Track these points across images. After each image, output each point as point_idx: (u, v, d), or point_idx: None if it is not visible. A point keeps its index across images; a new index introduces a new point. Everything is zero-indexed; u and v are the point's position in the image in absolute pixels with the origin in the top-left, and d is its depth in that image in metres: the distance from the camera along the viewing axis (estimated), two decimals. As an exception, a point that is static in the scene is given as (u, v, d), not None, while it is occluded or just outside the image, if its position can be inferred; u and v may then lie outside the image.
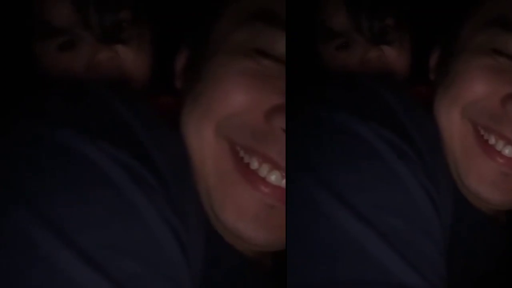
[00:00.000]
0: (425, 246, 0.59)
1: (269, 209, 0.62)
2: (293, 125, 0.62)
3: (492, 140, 0.70)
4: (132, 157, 0.54)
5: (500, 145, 0.70)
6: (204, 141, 0.64)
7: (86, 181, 0.52)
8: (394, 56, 0.85)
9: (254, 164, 0.63)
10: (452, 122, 0.71)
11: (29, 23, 0.76)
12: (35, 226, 0.49)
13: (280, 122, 0.61)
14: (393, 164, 0.59)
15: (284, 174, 0.62)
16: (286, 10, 0.66)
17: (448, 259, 0.63)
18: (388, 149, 0.60)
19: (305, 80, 0.74)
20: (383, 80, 0.73)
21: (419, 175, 0.60)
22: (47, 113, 0.56)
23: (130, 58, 0.77)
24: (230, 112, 0.63)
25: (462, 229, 0.69)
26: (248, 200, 0.63)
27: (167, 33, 0.77)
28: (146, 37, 0.78)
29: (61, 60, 0.76)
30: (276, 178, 0.62)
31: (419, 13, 0.83)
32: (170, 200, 0.56)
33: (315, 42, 0.91)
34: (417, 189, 0.60)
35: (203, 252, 0.61)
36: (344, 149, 0.60)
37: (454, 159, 0.71)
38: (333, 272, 0.55)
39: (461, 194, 0.72)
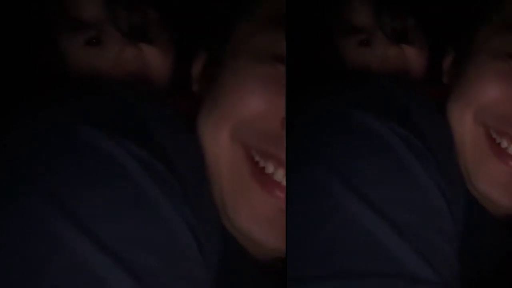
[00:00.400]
0: (439, 243, 0.60)
1: (283, 213, 0.63)
2: (308, 120, 0.64)
3: (504, 144, 0.71)
4: (150, 155, 0.55)
5: (512, 149, 0.70)
6: (219, 145, 0.65)
7: (105, 175, 0.53)
8: (413, 55, 0.86)
9: (270, 168, 0.64)
10: (464, 125, 0.72)
11: (57, 18, 0.77)
12: (56, 215, 0.50)
13: None
14: (408, 160, 0.60)
15: None
16: (286, 9, 0.67)
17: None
18: (402, 146, 0.61)
19: (320, 76, 0.74)
20: (399, 79, 0.73)
21: (433, 173, 0.61)
22: (68, 108, 0.57)
23: (155, 57, 0.78)
24: (246, 117, 0.64)
25: (471, 230, 0.70)
26: (262, 203, 0.63)
27: (186, 36, 0.78)
28: (171, 37, 0.79)
29: (87, 56, 0.77)
30: None
31: (434, 15, 0.84)
32: (187, 198, 0.57)
33: (333, 37, 0.91)
34: (431, 186, 0.61)
35: (217, 252, 0.62)
36: (359, 145, 0.61)
37: (465, 161, 0.72)
38: (347, 263, 0.56)
39: (472, 196, 0.72)
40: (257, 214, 0.63)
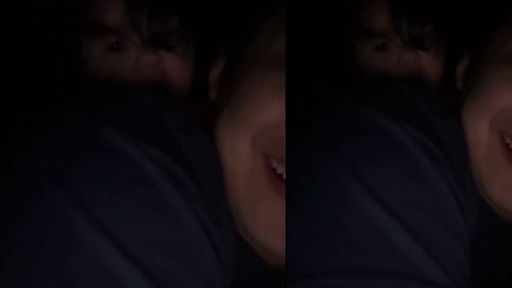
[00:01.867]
0: (451, 245, 0.60)
1: None
2: (325, 121, 0.64)
3: (519, 151, 0.71)
4: (170, 159, 0.56)
5: (527, 156, 0.70)
6: (238, 153, 0.65)
7: (125, 177, 0.54)
8: (429, 61, 0.86)
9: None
10: (478, 131, 0.72)
11: (81, 22, 0.78)
12: (76, 215, 0.51)
13: None
14: (422, 163, 0.61)
15: None
16: (286, 10, 0.67)
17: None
18: (417, 148, 0.61)
19: (338, 77, 0.75)
20: (415, 82, 0.73)
21: (447, 176, 0.62)
22: (90, 110, 0.58)
23: (175, 65, 0.78)
24: (265, 125, 0.64)
25: (483, 236, 0.70)
26: (279, 212, 0.63)
27: (204, 42, 0.78)
28: (191, 45, 0.79)
29: (107, 61, 0.77)
30: None
31: (450, 21, 0.84)
32: (205, 205, 0.57)
33: (346, 39, 0.92)
34: (445, 190, 0.61)
35: (233, 259, 0.63)
36: (375, 146, 0.61)
37: (479, 168, 0.72)
38: (358, 261, 0.56)
39: (484, 203, 0.73)
40: (274, 223, 0.64)
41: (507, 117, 0.71)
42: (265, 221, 0.64)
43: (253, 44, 0.69)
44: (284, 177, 0.65)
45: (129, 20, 0.76)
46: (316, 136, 0.64)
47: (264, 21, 0.70)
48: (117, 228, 0.51)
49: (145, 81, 0.76)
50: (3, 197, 0.54)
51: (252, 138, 0.65)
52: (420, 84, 0.81)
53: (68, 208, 0.51)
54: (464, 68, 0.80)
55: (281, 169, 0.65)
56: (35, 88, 0.76)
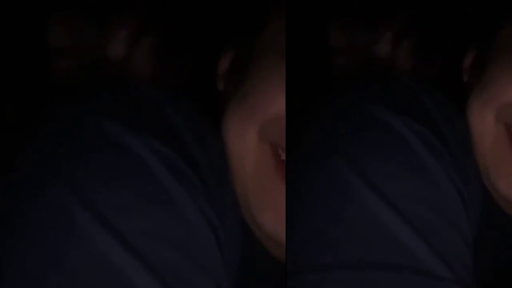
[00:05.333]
0: (453, 239, 0.60)
1: None
2: (327, 114, 0.65)
3: (525, 143, 0.71)
4: (174, 153, 0.56)
5: (533, 148, 0.70)
6: (246, 143, 0.65)
7: (127, 170, 0.54)
8: None
9: None
10: (484, 124, 0.72)
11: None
12: (78, 208, 0.51)
13: None
14: (424, 157, 0.61)
15: None
16: (287, 6, 0.68)
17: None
18: (419, 142, 0.61)
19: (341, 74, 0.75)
20: (419, 78, 0.74)
21: (449, 170, 0.62)
22: (94, 103, 0.59)
23: None
24: (274, 115, 0.64)
25: (487, 230, 0.70)
26: None
27: (212, 34, 0.77)
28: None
29: None
30: None
31: (455, 16, 0.83)
32: (209, 197, 0.58)
33: None
34: (447, 183, 0.61)
35: (239, 253, 0.63)
36: (376, 140, 0.61)
37: (484, 161, 0.72)
38: (359, 254, 0.57)
39: (490, 196, 0.73)
40: (282, 214, 0.63)
41: None
42: (273, 211, 0.64)
43: (263, 35, 0.69)
44: None
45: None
46: (317, 130, 0.64)
47: (273, 12, 0.70)
48: (118, 220, 0.51)
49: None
50: (3, 191, 0.54)
51: (259, 128, 0.65)
52: (423, 79, 0.80)
53: (69, 201, 0.51)
54: (471, 61, 0.80)
55: None
56: (41, 83, 0.76)
